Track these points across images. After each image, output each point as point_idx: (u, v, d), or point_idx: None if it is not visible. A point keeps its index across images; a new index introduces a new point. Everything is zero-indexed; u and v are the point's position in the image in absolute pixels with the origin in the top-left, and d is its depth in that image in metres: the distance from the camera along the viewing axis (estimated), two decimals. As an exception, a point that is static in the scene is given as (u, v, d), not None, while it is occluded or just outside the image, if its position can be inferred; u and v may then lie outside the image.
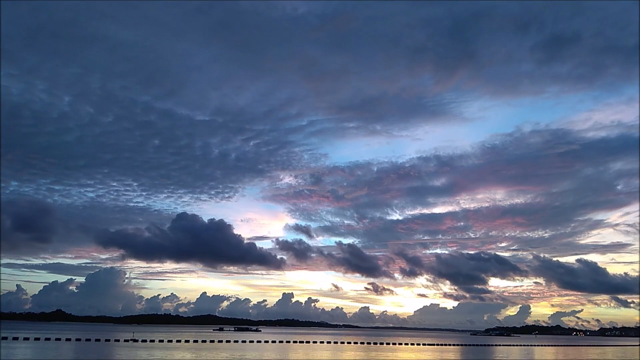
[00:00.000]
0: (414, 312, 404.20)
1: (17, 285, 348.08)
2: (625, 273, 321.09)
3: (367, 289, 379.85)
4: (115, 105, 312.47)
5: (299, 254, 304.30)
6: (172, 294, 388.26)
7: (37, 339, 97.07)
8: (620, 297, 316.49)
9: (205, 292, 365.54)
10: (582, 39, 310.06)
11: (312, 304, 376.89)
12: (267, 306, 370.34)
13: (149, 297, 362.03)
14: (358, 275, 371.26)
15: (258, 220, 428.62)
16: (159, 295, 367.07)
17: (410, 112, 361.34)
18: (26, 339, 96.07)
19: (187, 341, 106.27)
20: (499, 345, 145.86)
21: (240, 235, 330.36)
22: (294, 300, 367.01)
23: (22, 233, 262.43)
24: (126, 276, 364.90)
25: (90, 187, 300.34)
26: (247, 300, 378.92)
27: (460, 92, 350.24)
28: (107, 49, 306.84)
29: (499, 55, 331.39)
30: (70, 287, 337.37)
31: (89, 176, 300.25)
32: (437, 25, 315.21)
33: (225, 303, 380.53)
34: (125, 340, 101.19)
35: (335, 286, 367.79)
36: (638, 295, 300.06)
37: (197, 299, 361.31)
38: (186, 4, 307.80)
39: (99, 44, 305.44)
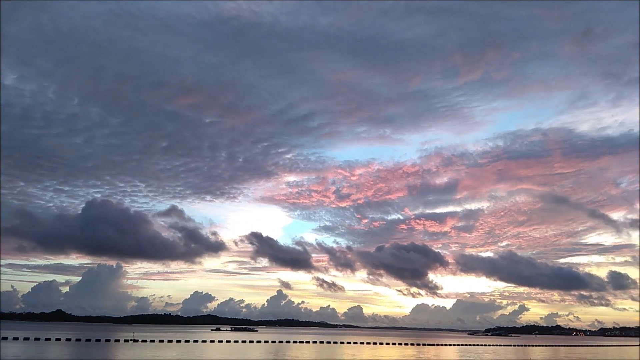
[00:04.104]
0: (410, 312, 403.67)
1: (12, 286, 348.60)
2: (624, 273, 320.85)
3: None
4: (124, 107, 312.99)
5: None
6: (169, 295, 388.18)
7: (37, 339, 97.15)
8: (619, 296, 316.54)
9: (201, 292, 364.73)
10: (615, 33, 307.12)
11: (303, 305, 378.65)
12: (257, 306, 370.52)
13: (146, 297, 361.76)
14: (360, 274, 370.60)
15: (259, 219, 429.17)
16: (154, 295, 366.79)
17: (421, 115, 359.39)
18: (26, 339, 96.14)
19: (187, 341, 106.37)
20: (500, 345, 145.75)
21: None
22: (286, 300, 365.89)
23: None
24: (127, 276, 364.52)
25: (97, 187, 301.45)
26: (241, 301, 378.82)
27: (472, 92, 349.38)
28: (119, 53, 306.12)
29: (530, 49, 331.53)
30: (70, 287, 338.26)
31: (96, 177, 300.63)
32: (464, 16, 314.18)
33: (216, 303, 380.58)
34: (126, 340, 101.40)
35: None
36: (637, 295, 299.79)
37: (192, 298, 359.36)
38: (204, 15, 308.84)
39: (112, 48, 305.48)
